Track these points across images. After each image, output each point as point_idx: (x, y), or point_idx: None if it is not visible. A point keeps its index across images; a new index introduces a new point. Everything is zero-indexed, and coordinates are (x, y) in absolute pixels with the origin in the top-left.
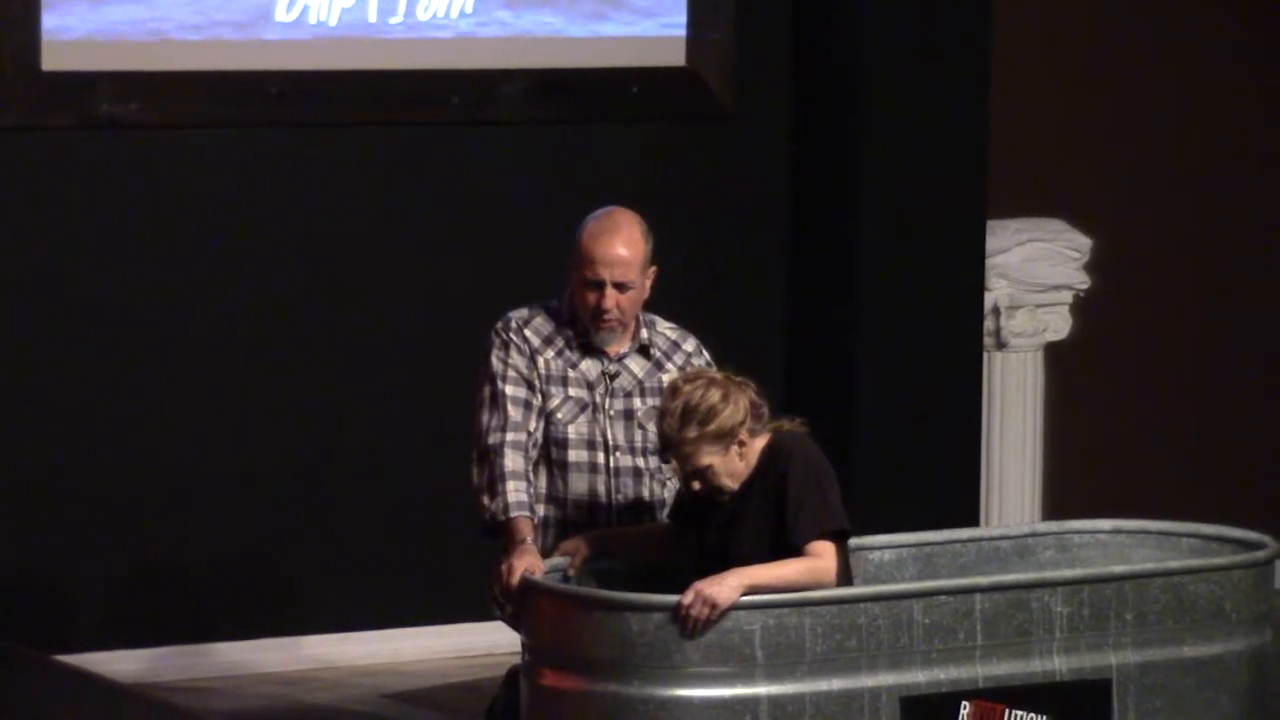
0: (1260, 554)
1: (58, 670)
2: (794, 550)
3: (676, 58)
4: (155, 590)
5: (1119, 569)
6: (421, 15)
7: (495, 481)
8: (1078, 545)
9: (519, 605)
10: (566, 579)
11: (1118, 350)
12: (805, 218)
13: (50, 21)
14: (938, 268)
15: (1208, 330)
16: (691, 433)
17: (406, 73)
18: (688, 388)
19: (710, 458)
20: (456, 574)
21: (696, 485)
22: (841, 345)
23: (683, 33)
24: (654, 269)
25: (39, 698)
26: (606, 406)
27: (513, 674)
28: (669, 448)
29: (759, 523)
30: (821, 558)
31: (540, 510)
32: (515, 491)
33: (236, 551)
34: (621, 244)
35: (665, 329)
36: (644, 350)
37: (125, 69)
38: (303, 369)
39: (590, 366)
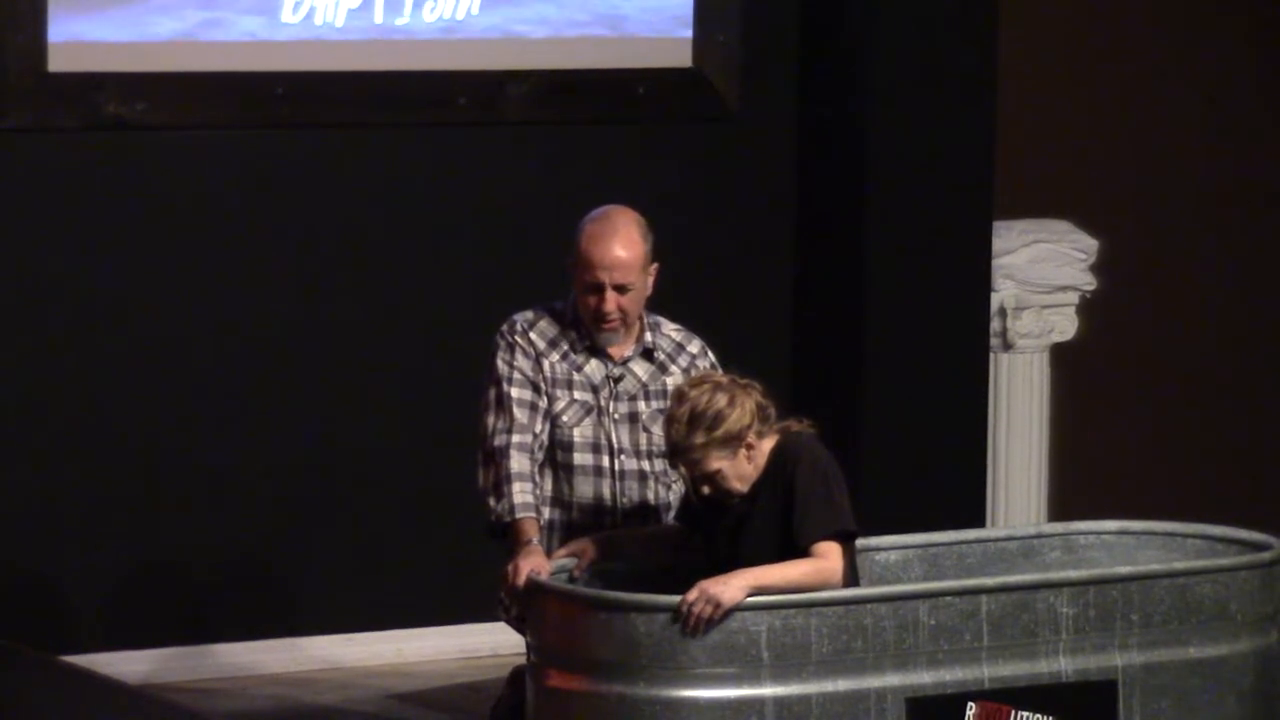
0: (1266, 555)
1: (61, 670)
2: (801, 551)
3: (683, 59)
4: (160, 591)
5: (1125, 570)
6: (428, 16)
7: (501, 483)
8: (1083, 546)
9: (525, 606)
10: (573, 580)
11: (1124, 351)
12: (811, 219)
13: (57, 22)
14: (944, 268)
15: (1213, 331)
16: (699, 438)
17: (413, 74)
18: (694, 393)
19: (719, 462)
20: (461, 575)
21: (706, 490)
22: (847, 346)
23: (689, 34)
24: (655, 266)
25: (42, 698)
26: (611, 410)
27: (516, 675)
28: (677, 453)
29: (767, 524)
30: (828, 559)
31: (546, 513)
32: (521, 493)
33: (241, 552)
34: (620, 245)
35: (670, 331)
36: (648, 353)
37: (131, 70)
38: (308, 369)
39: (595, 369)
